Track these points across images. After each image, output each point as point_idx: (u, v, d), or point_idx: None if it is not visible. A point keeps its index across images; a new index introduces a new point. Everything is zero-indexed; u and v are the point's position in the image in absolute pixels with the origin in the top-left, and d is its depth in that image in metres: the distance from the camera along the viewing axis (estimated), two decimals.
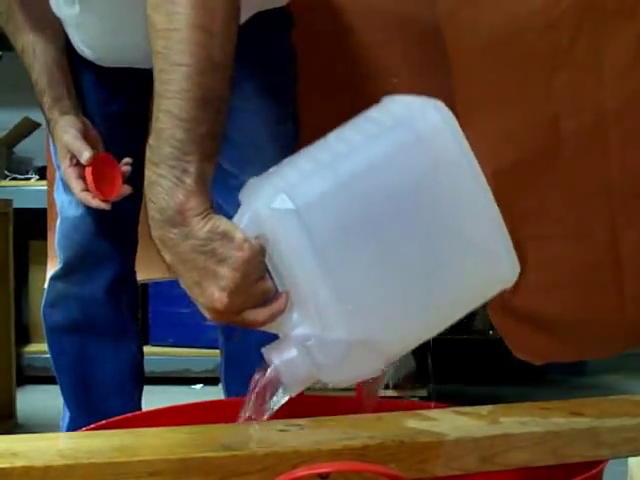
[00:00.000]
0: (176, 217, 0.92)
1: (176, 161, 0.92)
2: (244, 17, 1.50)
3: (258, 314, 0.95)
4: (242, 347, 1.57)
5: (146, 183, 0.95)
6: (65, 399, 1.55)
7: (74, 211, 1.46)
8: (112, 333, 1.53)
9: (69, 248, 1.48)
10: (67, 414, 1.55)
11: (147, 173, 0.94)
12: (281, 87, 1.46)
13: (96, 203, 1.36)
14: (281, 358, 0.96)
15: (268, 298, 0.95)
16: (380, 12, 1.70)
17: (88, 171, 1.35)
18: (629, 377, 3.22)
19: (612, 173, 1.49)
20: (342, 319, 0.94)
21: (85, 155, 1.34)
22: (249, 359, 1.59)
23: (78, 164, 1.36)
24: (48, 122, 1.41)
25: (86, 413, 1.49)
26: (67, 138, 1.36)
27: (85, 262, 1.49)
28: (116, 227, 1.49)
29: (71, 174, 1.37)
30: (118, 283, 1.52)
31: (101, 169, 1.36)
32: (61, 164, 1.39)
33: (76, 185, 1.36)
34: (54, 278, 1.52)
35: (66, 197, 1.48)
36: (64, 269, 1.50)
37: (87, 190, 1.36)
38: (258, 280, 0.94)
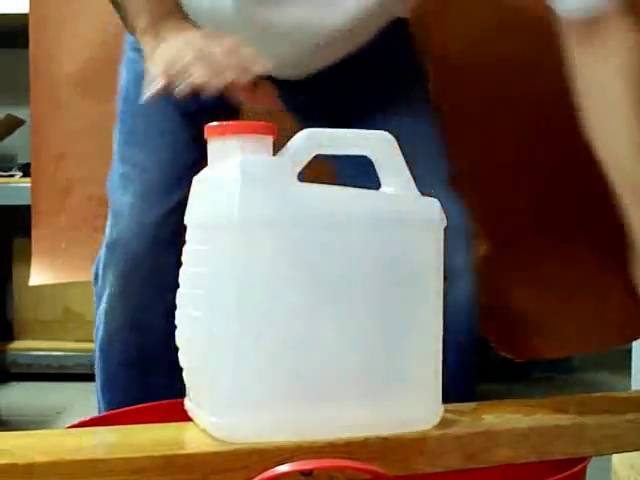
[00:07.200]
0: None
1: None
2: (369, 35, 1.38)
3: None
4: None
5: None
6: None
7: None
8: (169, 365, 1.37)
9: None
10: None
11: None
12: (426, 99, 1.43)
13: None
14: None
15: None
16: None
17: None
18: (614, 374, 3.23)
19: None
20: None
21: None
22: None
23: None
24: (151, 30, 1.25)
25: None
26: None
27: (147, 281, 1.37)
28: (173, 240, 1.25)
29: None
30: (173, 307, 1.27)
31: None
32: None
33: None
34: (112, 305, 1.38)
35: (132, 200, 1.37)
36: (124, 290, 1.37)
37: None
38: None
